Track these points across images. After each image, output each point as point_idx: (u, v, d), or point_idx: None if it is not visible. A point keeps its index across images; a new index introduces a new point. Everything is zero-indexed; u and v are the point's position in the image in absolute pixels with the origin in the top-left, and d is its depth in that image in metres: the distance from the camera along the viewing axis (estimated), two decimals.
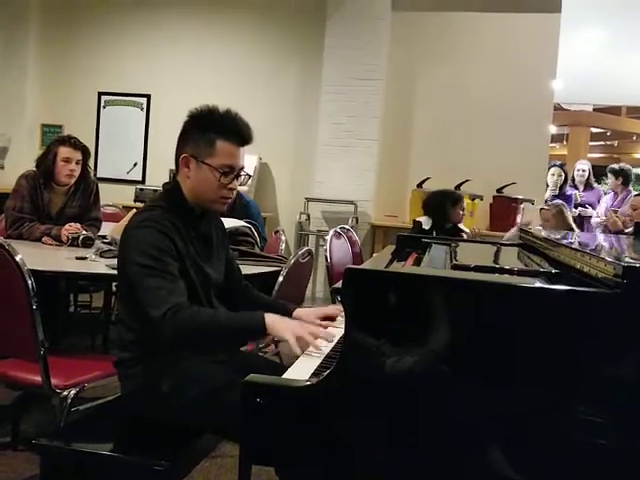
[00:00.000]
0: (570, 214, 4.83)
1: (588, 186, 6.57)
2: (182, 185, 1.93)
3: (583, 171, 6.56)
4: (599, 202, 6.57)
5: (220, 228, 2.12)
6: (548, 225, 4.66)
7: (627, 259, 1.32)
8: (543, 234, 2.12)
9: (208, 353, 1.94)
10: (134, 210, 3.91)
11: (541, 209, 5.00)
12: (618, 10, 6.70)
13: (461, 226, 4.74)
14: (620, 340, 1.23)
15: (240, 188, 2.42)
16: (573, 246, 1.62)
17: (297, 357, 1.68)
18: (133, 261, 1.79)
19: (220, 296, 2.06)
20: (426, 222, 4.58)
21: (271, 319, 1.75)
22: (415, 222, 4.76)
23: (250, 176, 1.94)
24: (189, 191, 1.92)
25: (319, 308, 2.09)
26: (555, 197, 6.05)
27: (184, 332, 1.74)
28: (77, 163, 3.48)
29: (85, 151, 3.54)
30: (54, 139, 3.64)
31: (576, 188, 6.55)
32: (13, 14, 6.85)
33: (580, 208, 6.36)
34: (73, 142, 3.49)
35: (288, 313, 2.02)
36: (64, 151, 3.44)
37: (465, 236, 4.56)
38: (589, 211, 6.38)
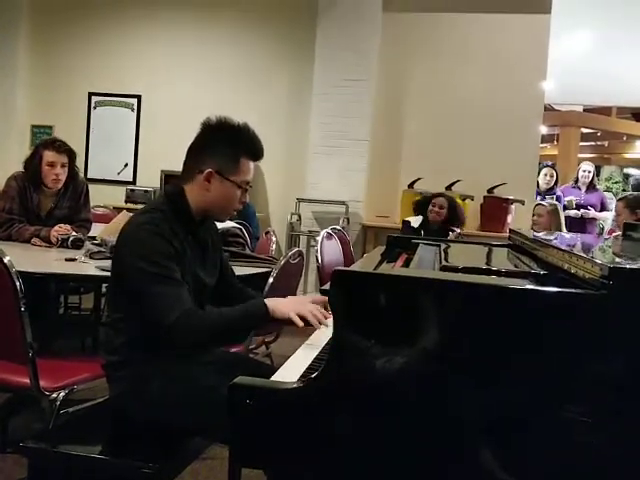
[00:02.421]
0: (563, 215, 4.88)
1: (591, 187, 6.62)
2: (189, 194, 1.92)
3: (589, 172, 6.63)
4: (601, 204, 6.61)
5: (215, 232, 2.13)
6: (541, 221, 4.69)
7: (613, 260, 1.33)
8: (532, 235, 2.13)
9: (197, 355, 1.94)
10: (124, 211, 3.91)
11: (536, 205, 5.03)
12: (608, 11, 6.72)
13: (454, 228, 4.76)
14: (606, 341, 1.23)
15: None
16: (561, 247, 1.62)
17: (287, 358, 1.69)
18: (138, 268, 1.78)
19: (213, 299, 2.06)
20: (415, 221, 4.64)
21: (272, 303, 1.81)
22: (404, 222, 4.84)
23: (251, 186, 1.99)
24: (202, 202, 1.92)
25: (310, 296, 2.11)
26: (544, 199, 6.09)
27: (197, 337, 1.78)
28: (63, 166, 3.45)
29: (71, 154, 3.51)
30: (39, 142, 3.62)
31: (579, 189, 6.60)
32: (3, 15, 6.80)
33: (582, 210, 6.39)
34: (57, 145, 3.45)
35: None
36: (48, 155, 3.41)
37: (451, 234, 4.58)
38: (591, 213, 6.41)
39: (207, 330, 1.79)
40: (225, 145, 1.90)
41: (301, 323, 1.75)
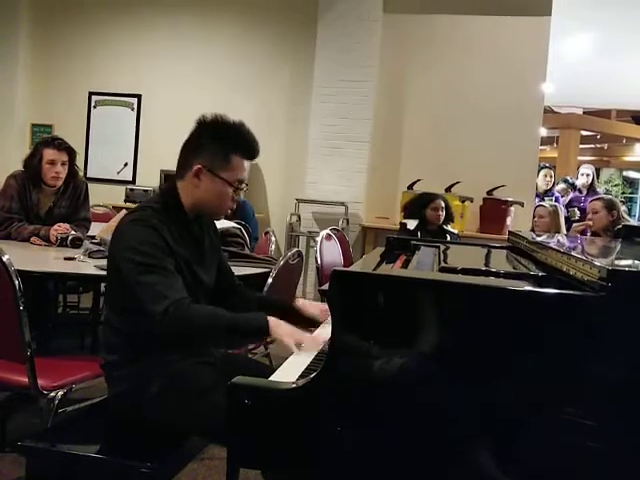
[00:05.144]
0: (563, 217, 4.89)
1: (591, 190, 6.63)
2: (182, 190, 1.92)
3: (587, 175, 6.64)
4: None
5: (213, 230, 2.12)
6: (543, 222, 4.69)
7: (612, 262, 1.33)
8: (531, 237, 2.13)
9: (196, 354, 1.94)
10: (124, 210, 3.90)
11: (537, 206, 5.04)
12: (608, 14, 6.73)
13: (449, 227, 4.76)
14: (605, 342, 1.23)
15: None
16: (560, 249, 1.62)
17: (286, 358, 1.69)
18: (127, 259, 1.77)
19: (212, 298, 2.06)
20: (411, 223, 4.64)
21: (274, 322, 1.75)
22: (401, 224, 4.85)
23: (247, 184, 1.97)
24: (194, 199, 1.91)
25: (322, 304, 2.10)
26: (542, 200, 6.09)
27: (186, 328, 1.74)
28: (63, 164, 3.45)
29: (71, 152, 3.51)
30: (39, 141, 3.61)
31: (579, 192, 6.61)
32: (3, 14, 6.81)
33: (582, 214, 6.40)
34: (58, 144, 3.45)
35: (287, 307, 2.05)
36: (49, 153, 3.41)
37: (449, 237, 4.57)
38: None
39: (196, 324, 1.74)
40: (216, 141, 1.88)
41: (296, 350, 1.70)
